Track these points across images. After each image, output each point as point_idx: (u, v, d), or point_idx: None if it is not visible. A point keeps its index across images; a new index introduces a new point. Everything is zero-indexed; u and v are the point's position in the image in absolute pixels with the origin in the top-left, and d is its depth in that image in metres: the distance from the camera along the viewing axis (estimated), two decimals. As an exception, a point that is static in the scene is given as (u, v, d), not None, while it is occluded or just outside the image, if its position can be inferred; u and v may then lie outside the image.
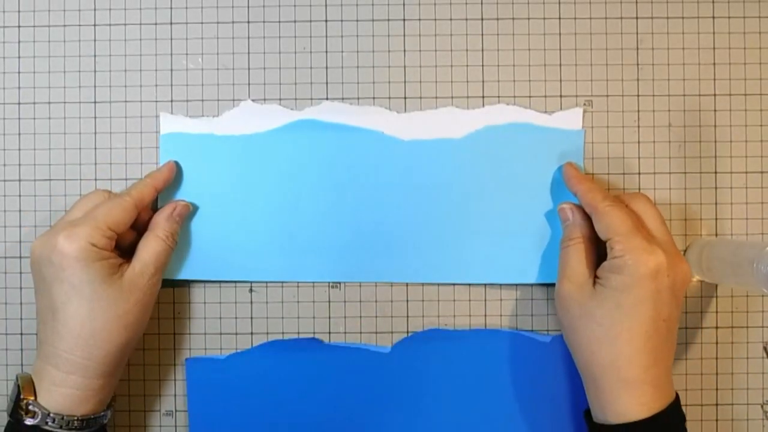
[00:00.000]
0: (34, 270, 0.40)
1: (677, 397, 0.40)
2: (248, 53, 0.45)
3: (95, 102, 0.45)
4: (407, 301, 0.45)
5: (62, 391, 0.39)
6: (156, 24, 0.45)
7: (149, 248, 0.41)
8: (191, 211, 0.45)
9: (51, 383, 0.39)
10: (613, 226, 0.40)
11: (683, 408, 0.40)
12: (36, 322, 0.41)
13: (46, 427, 0.38)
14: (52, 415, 0.38)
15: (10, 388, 0.45)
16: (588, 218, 0.42)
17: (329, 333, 0.45)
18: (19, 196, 0.45)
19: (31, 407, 0.38)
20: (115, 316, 0.39)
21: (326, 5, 0.45)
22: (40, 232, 0.45)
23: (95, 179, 0.45)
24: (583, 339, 0.40)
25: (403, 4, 0.45)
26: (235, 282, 0.45)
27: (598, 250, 0.42)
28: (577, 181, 0.43)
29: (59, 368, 0.39)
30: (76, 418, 0.39)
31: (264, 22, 0.45)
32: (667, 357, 0.40)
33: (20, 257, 0.45)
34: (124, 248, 0.42)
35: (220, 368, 0.45)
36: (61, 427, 0.38)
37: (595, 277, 0.41)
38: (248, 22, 0.45)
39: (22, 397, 0.39)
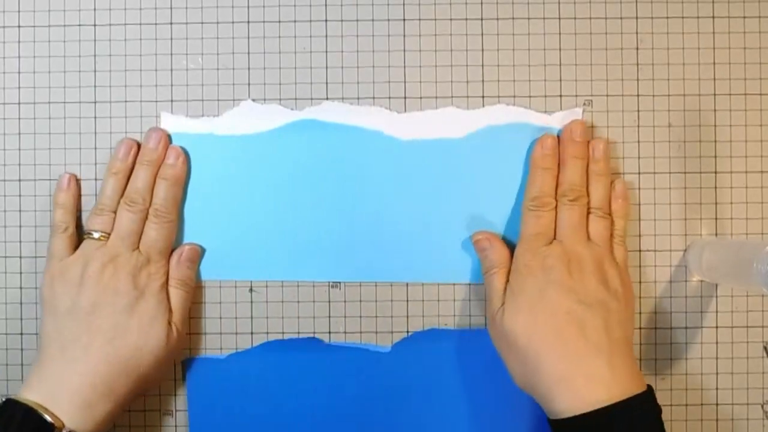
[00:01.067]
0: (89, 276, 0.41)
1: (646, 392, 0.38)
2: (248, 53, 0.45)
3: (95, 102, 0.45)
4: (407, 301, 0.45)
5: (92, 415, 0.38)
6: (156, 24, 0.45)
7: (173, 300, 0.43)
8: (203, 251, 0.45)
9: (83, 406, 0.38)
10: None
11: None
12: (57, 326, 0.40)
13: None
14: None
15: (11, 390, 0.45)
16: (504, 244, 0.43)
17: (329, 333, 0.45)
18: (19, 196, 0.45)
19: None
20: (165, 354, 0.42)
21: (326, 5, 0.45)
22: (41, 232, 0.45)
23: (95, 179, 0.45)
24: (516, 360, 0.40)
25: (403, 4, 0.45)
26: (235, 282, 0.45)
27: None
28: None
29: (96, 390, 0.39)
30: None
31: (264, 22, 0.45)
32: (588, 351, 0.38)
33: (20, 257, 0.45)
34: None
35: (220, 368, 0.45)
36: None
37: None
38: (248, 22, 0.45)
39: (55, 426, 0.37)
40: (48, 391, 0.38)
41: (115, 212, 0.42)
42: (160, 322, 0.41)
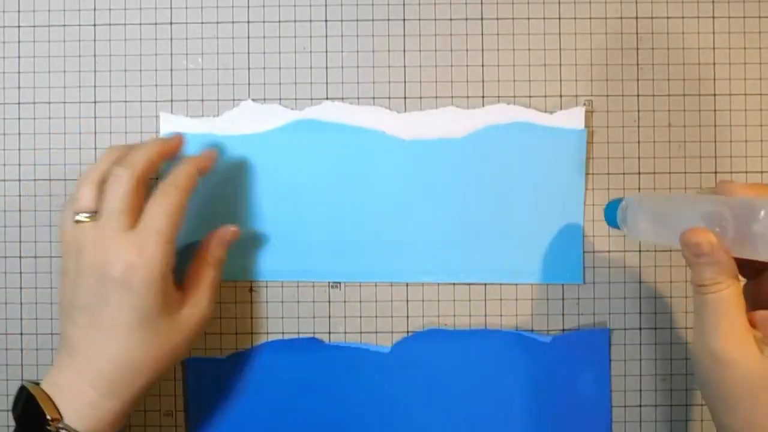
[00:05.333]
0: (83, 267, 0.36)
1: None
2: (248, 53, 0.45)
3: (95, 102, 0.45)
4: (407, 301, 0.45)
5: (95, 414, 0.36)
6: (156, 24, 0.45)
7: (205, 278, 0.40)
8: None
9: (85, 404, 0.36)
10: None
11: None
12: (63, 325, 0.37)
13: None
14: None
15: (10, 390, 0.45)
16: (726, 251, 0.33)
17: (329, 333, 0.45)
18: (19, 196, 0.45)
19: (63, 430, 0.35)
20: (168, 349, 0.37)
21: (326, 5, 0.45)
22: (40, 232, 0.45)
23: (95, 179, 0.45)
24: (750, 415, 0.32)
25: (403, 4, 0.45)
26: (235, 282, 0.45)
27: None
28: (753, 189, 0.33)
29: (97, 389, 0.36)
30: None
31: (264, 22, 0.45)
32: None
33: (20, 257, 0.45)
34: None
35: (220, 368, 0.45)
36: None
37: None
38: (248, 22, 0.45)
39: (50, 418, 0.35)
40: (54, 380, 0.37)
41: (101, 185, 0.39)
42: (165, 312, 0.38)
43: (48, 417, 0.35)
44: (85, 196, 0.37)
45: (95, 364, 0.36)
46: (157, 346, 0.37)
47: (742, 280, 0.35)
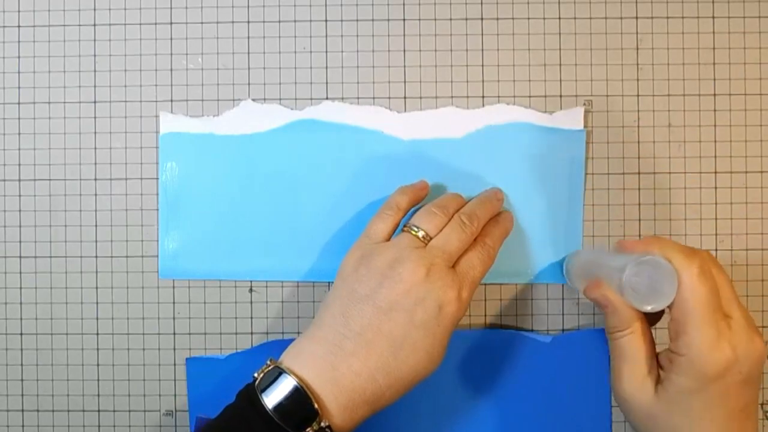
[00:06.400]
0: (397, 274, 0.37)
1: None
2: (248, 53, 0.45)
3: (95, 102, 0.45)
4: (407, 301, 0.45)
5: (355, 419, 0.36)
6: (156, 24, 0.45)
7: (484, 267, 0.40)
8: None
9: (349, 406, 0.36)
10: (694, 307, 0.34)
11: None
12: (346, 307, 0.37)
13: None
14: None
15: (10, 391, 0.45)
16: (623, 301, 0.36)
17: (329, 333, 0.45)
18: (19, 196, 0.45)
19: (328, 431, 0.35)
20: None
21: (326, 5, 0.45)
22: (40, 232, 0.45)
23: (95, 179, 0.45)
24: None
25: (403, 4, 0.45)
26: (235, 282, 0.45)
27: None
28: (644, 244, 0.36)
29: (364, 395, 0.36)
30: None
31: (264, 22, 0.45)
32: None
33: (20, 257, 0.45)
34: None
35: (220, 368, 0.45)
36: None
37: (658, 366, 0.37)
38: (248, 22, 0.45)
39: (325, 425, 0.35)
40: (318, 375, 0.36)
41: (447, 220, 0.40)
42: (443, 349, 0.38)
43: (320, 419, 0.35)
44: (434, 223, 0.39)
45: (373, 371, 0.36)
46: (426, 373, 0.38)
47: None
